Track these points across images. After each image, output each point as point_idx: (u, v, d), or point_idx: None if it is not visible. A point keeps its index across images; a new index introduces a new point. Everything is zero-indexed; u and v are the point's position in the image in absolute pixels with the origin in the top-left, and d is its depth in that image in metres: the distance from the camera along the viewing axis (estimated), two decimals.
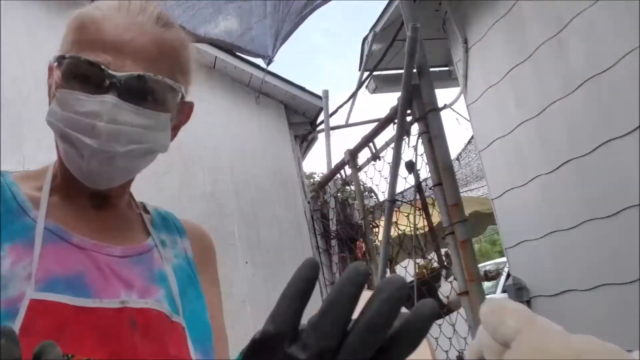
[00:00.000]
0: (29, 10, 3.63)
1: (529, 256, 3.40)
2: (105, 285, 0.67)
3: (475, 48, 3.43)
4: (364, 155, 2.92)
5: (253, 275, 3.69)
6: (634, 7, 2.39)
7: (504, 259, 5.59)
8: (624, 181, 2.57)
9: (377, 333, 0.34)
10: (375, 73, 3.82)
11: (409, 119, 2.32)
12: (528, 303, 3.36)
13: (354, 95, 4.03)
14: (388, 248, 2.67)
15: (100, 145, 0.67)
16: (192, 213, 3.74)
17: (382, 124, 2.58)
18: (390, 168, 2.47)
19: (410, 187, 2.56)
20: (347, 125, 4.49)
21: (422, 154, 2.24)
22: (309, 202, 3.96)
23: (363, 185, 3.11)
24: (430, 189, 2.24)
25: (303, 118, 4.29)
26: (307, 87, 4.11)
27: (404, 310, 0.37)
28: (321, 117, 4.13)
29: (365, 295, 0.42)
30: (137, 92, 0.69)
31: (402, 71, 2.31)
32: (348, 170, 3.19)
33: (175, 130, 0.79)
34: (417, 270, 2.88)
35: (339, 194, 3.67)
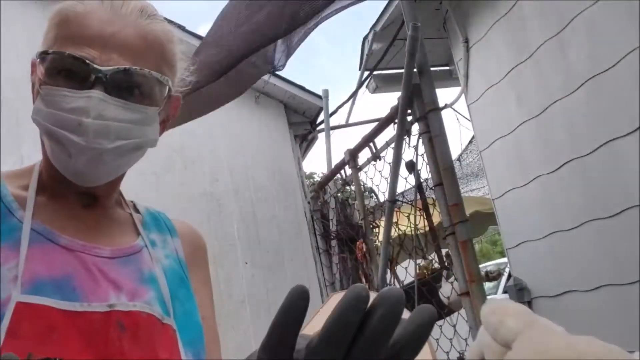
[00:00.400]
0: (27, 11, 3.62)
1: (530, 257, 3.39)
2: (94, 287, 0.66)
3: (476, 47, 3.43)
4: (364, 155, 2.92)
5: (253, 276, 3.68)
6: (635, 7, 2.39)
7: (505, 260, 5.58)
8: (625, 181, 2.56)
9: (377, 351, 0.34)
10: (375, 72, 3.81)
11: (409, 118, 2.32)
12: (529, 304, 3.35)
13: (354, 95, 4.02)
14: (388, 248, 2.67)
15: (87, 142, 0.65)
16: (192, 213, 3.74)
17: (383, 124, 2.58)
18: (391, 168, 2.47)
19: (410, 187, 2.56)
20: (347, 125, 4.48)
21: (422, 154, 2.23)
22: (309, 202, 3.95)
23: (363, 185, 3.11)
24: (430, 189, 2.23)
25: (303, 118, 4.29)
26: (307, 87, 4.10)
27: (404, 310, 0.36)
28: (321, 117, 4.13)
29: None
30: (124, 87, 0.68)
31: (402, 70, 2.30)
32: (348, 170, 3.18)
33: (163, 124, 0.77)
34: (417, 271, 2.87)
35: (339, 194, 3.66)
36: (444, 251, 2.65)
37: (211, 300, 0.84)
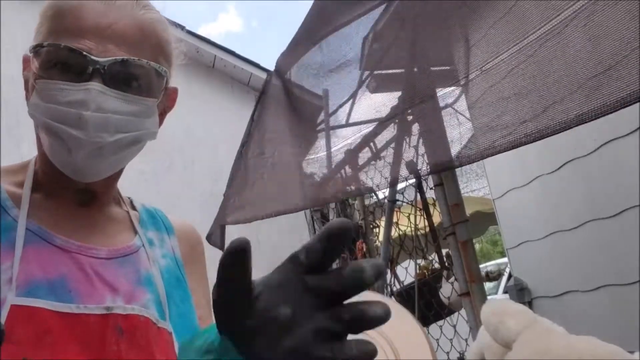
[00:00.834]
0: (27, 10, 3.62)
1: (530, 257, 3.39)
2: (90, 289, 0.65)
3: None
4: (364, 155, 2.91)
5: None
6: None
7: (505, 260, 5.58)
8: (625, 182, 2.56)
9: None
10: (375, 72, 3.80)
11: (409, 118, 2.31)
12: (529, 304, 3.35)
13: (354, 95, 4.02)
14: (389, 248, 2.67)
15: (87, 136, 0.64)
16: (192, 213, 3.74)
17: (382, 124, 2.57)
18: (391, 168, 2.47)
19: (408, 185, 2.55)
20: (347, 125, 4.47)
21: (422, 154, 2.23)
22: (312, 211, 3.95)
23: (363, 185, 3.10)
24: (431, 189, 2.23)
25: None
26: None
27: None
28: (321, 117, 4.12)
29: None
30: (122, 78, 0.66)
31: (402, 70, 2.30)
32: (348, 170, 3.17)
33: (162, 116, 0.76)
34: (418, 271, 2.87)
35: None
36: (444, 251, 2.65)
37: (208, 300, 0.82)
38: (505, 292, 5.60)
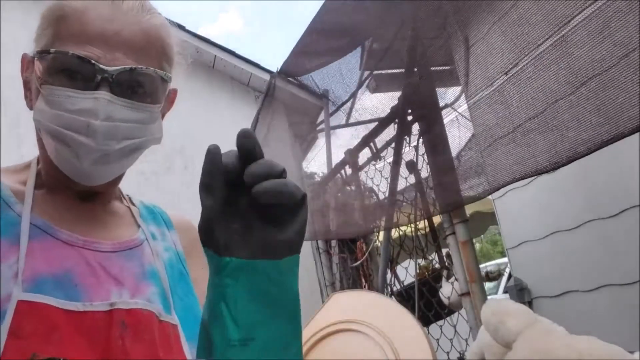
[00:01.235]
0: (27, 10, 3.63)
1: (530, 257, 3.39)
2: (96, 284, 0.65)
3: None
4: (364, 155, 2.91)
5: None
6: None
7: (505, 260, 5.58)
8: (625, 182, 2.56)
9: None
10: (375, 72, 3.81)
11: (409, 118, 2.32)
12: (530, 304, 3.35)
13: (354, 95, 4.02)
14: (389, 248, 2.67)
15: (96, 144, 0.64)
16: (192, 213, 3.73)
17: (383, 124, 2.57)
18: (391, 168, 2.47)
19: (409, 185, 2.55)
20: (347, 125, 4.47)
21: (422, 154, 2.23)
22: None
23: (363, 185, 3.10)
24: (430, 188, 2.23)
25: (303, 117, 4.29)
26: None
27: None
28: (321, 117, 4.12)
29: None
30: (129, 86, 0.67)
31: (402, 70, 2.30)
32: (348, 170, 3.18)
33: (161, 118, 0.76)
34: (418, 271, 2.87)
35: (339, 194, 3.66)
36: (444, 251, 2.65)
37: None
38: (505, 292, 5.60)
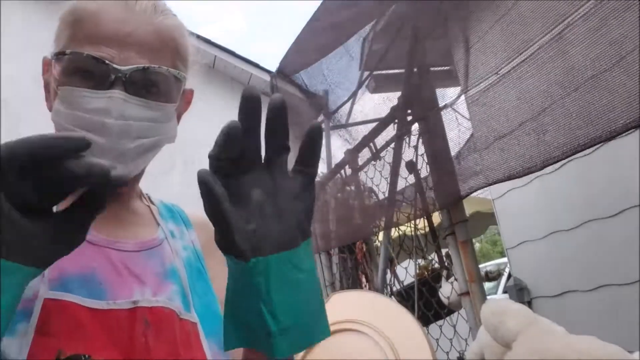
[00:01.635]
0: (27, 11, 3.63)
1: (530, 257, 3.39)
2: (119, 282, 0.67)
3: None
4: (364, 155, 2.92)
5: None
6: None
7: (504, 260, 5.58)
8: (624, 182, 2.56)
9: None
10: (375, 72, 3.81)
11: (409, 118, 2.32)
12: (529, 304, 3.35)
13: (354, 95, 4.02)
14: (388, 248, 2.67)
15: (110, 143, 0.65)
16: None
17: (382, 124, 2.58)
18: (391, 168, 2.47)
19: (409, 185, 2.56)
20: (347, 125, 4.48)
21: (422, 154, 2.23)
22: None
23: (363, 185, 3.10)
24: (430, 188, 2.23)
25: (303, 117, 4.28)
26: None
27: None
28: (321, 117, 4.12)
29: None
30: (143, 85, 0.68)
31: (402, 71, 2.30)
32: (348, 170, 3.18)
33: (177, 118, 0.78)
34: (417, 271, 2.87)
35: (339, 194, 3.66)
36: (444, 251, 2.65)
37: None
38: (505, 292, 5.60)
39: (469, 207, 3.57)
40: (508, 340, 0.98)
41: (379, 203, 2.63)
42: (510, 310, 1.01)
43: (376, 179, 2.72)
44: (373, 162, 2.77)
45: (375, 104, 2.79)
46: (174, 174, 3.80)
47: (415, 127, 2.27)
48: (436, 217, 2.46)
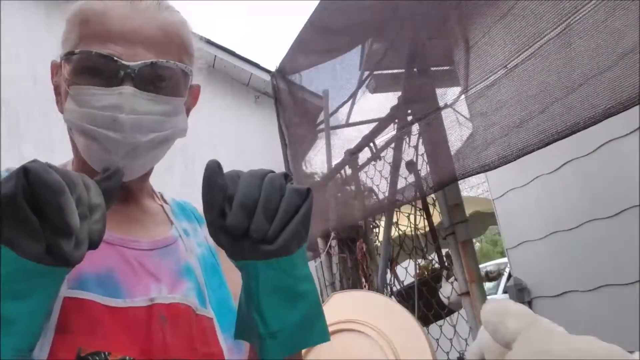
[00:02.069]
0: (27, 11, 3.63)
1: (530, 257, 3.39)
2: (135, 281, 0.68)
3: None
4: (364, 155, 2.92)
5: None
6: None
7: (505, 260, 5.58)
8: (625, 182, 2.56)
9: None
10: (375, 72, 3.81)
11: (409, 118, 2.32)
12: (529, 304, 3.35)
13: (354, 95, 4.02)
14: (388, 248, 2.67)
15: (124, 138, 0.67)
16: None
17: (382, 124, 2.58)
18: (391, 168, 2.47)
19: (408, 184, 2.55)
20: (347, 125, 4.48)
21: (422, 154, 2.23)
22: None
23: (363, 185, 3.11)
24: (430, 188, 2.23)
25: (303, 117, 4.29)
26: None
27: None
28: (321, 117, 4.12)
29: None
30: (151, 80, 0.69)
31: (402, 70, 2.30)
32: (348, 170, 3.18)
33: (186, 113, 0.79)
34: (417, 271, 2.87)
35: (339, 194, 3.66)
36: (444, 251, 2.65)
37: None
38: (505, 292, 5.60)
39: (469, 207, 3.58)
40: (508, 340, 0.98)
41: (379, 203, 2.63)
42: (510, 310, 1.00)
43: (376, 179, 2.72)
44: (373, 162, 2.77)
45: (375, 104, 2.79)
46: (174, 174, 3.80)
47: (415, 127, 2.27)
48: (436, 217, 2.46)
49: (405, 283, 2.89)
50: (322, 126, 4.12)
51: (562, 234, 3.05)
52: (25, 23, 3.58)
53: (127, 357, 0.62)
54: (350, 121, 3.35)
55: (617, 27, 1.20)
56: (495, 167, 1.52)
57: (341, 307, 1.51)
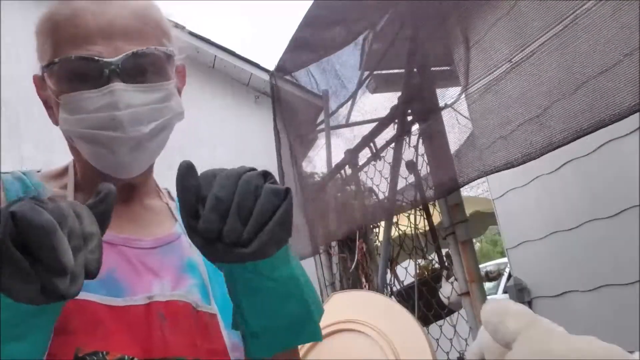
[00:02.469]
0: (27, 11, 3.62)
1: (530, 257, 3.39)
2: (137, 280, 0.68)
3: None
4: (364, 155, 2.91)
5: None
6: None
7: (505, 260, 5.58)
8: (625, 182, 2.56)
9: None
10: (375, 72, 3.81)
11: (409, 118, 2.32)
12: (529, 304, 3.35)
13: (354, 95, 4.02)
14: (388, 248, 2.66)
15: (125, 133, 0.66)
16: None
17: (382, 124, 2.57)
18: (391, 168, 2.47)
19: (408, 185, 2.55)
20: (347, 125, 4.48)
21: (422, 154, 2.23)
22: (307, 202, 3.94)
23: (363, 185, 3.11)
24: (430, 188, 2.23)
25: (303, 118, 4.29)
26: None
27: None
28: (321, 117, 4.12)
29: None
30: (137, 70, 0.68)
31: (402, 70, 2.30)
32: (348, 170, 3.17)
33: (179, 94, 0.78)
34: (417, 271, 2.87)
35: (339, 194, 3.66)
36: (444, 251, 2.65)
37: None
38: (505, 292, 5.60)
39: (469, 207, 3.58)
40: (508, 340, 0.97)
41: (379, 203, 2.63)
42: (510, 310, 1.00)
43: (376, 179, 2.71)
44: (373, 162, 2.77)
45: (375, 104, 2.79)
46: (174, 173, 3.79)
47: (415, 127, 2.27)
48: (436, 217, 2.46)
49: (405, 283, 2.89)
50: (322, 126, 4.12)
51: (562, 234, 3.05)
52: (25, 23, 3.58)
53: (126, 356, 0.62)
54: (350, 121, 3.35)
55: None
56: (499, 171, 1.52)
57: (341, 307, 1.51)
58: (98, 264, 0.53)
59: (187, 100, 0.79)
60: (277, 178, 0.59)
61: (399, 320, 1.38)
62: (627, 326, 2.50)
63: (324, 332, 1.47)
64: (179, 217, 0.81)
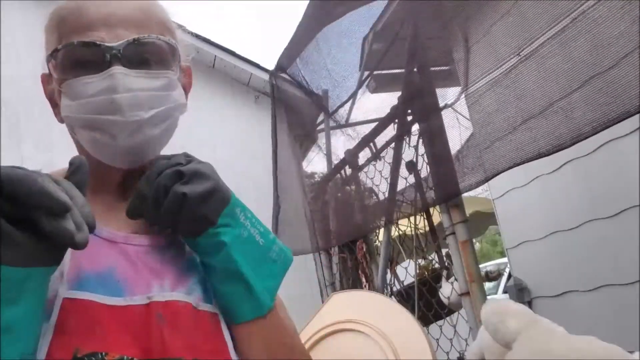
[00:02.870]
0: (27, 11, 3.62)
1: (530, 257, 3.39)
2: (137, 279, 0.68)
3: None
4: (364, 155, 2.91)
5: None
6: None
7: (505, 260, 5.58)
8: (625, 182, 2.56)
9: None
10: (375, 72, 3.81)
11: (409, 118, 2.32)
12: (529, 304, 3.35)
13: (354, 95, 4.02)
14: (389, 248, 2.66)
15: (124, 117, 0.66)
16: None
17: (383, 124, 2.57)
18: (391, 168, 2.47)
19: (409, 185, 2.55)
20: (347, 125, 4.48)
21: (422, 154, 2.23)
22: (309, 203, 3.94)
23: (363, 185, 3.10)
24: (430, 188, 2.23)
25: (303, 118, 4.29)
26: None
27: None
28: (321, 117, 4.12)
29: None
30: (138, 58, 0.69)
31: (402, 70, 2.30)
32: (348, 170, 3.17)
33: (184, 93, 0.79)
34: (417, 271, 2.87)
35: (339, 194, 3.66)
36: (444, 251, 2.65)
37: None
38: (505, 292, 5.60)
39: (469, 207, 3.57)
40: (508, 340, 0.97)
41: (379, 203, 2.63)
42: (510, 310, 1.00)
43: (376, 179, 2.71)
44: (373, 162, 2.77)
45: (375, 104, 2.79)
46: None
47: (415, 127, 2.27)
48: (436, 217, 2.46)
49: (405, 283, 2.89)
50: (322, 126, 4.11)
51: (562, 234, 3.05)
52: (25, 23, 3.58)
53: (125, 357, 0.61)
54: (350, 121, 3.35)
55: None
56: (498, 174, 1.51)
57: (341, 307, 1.50)
58: (93, 218, 0.56)
59: (187, 100, 0.79)
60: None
61: (399, 320, 1.38)
62: (627, 326, 2.50)
63: (324, 332, 1.48)
64: None
